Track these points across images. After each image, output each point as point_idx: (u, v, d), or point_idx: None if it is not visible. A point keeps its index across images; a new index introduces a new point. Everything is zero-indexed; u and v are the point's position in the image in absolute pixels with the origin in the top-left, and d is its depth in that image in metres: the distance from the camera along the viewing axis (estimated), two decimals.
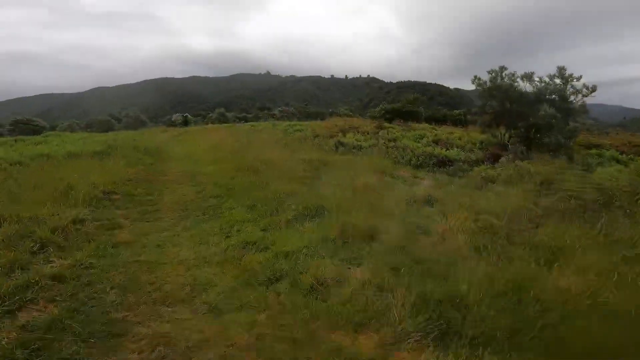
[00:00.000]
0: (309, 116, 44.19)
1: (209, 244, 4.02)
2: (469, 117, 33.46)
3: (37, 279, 3.00)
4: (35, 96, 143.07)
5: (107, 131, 25.46)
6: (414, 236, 4.44)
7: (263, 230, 4.39)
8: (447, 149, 11.30)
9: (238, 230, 4.37)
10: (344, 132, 15.09)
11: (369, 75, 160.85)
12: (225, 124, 26.49)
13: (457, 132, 16.76)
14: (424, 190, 6.65)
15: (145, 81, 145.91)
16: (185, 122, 25.88)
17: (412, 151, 10.34)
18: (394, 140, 13.43)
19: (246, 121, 33.81)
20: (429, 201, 6.05)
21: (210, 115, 37.95)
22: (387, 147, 11.18)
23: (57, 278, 3.07)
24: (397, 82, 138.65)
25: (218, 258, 3.63)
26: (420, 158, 9.77)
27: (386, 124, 17.27)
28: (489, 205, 5.90)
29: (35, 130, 26.06)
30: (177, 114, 30.94)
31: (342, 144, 11.97)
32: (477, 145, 12.26)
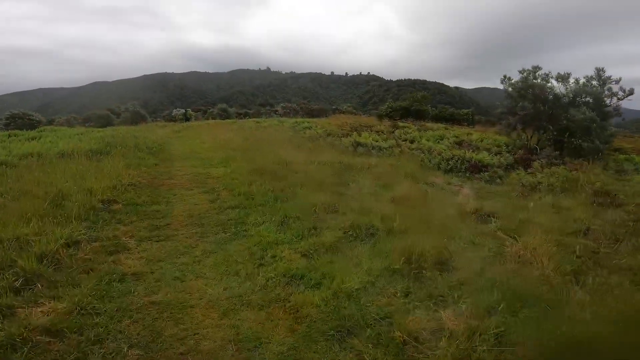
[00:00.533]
0: (312, 113, 43.32)
1: (239, 275, 3.19)
2: (476, 117, 32.70)
3: (25, 333, 2.17)
4: (34, 90, 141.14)
5: (105, 126, 24.42)
6: (490, 262, 3.66)
7: (304, 256, 3.56)
8: (475, 152, 10.52)
9: (273, 257, 3.53)
10: (357, 131, 14.27)
11: (369, 73, 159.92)
12: (228, 120, 25.55)
13: (475, 133, 16.01)
14: (472, 202, 5.85)
15: (145, 76, 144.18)
16: (186, 118, 24.85)
17: (439, 154, 9.54)
18: (412, 140, 12.66)
19: (248, 117, 32.85)
20: (483, 215, 5.27)
21: (211, 110, 36.91)
22: (410, 149, 10.37)
23: (53, 332, 2.24)
24: (397, 80, 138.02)
25: (258, 297, 2.81)
26: (450, 162, 8.97)
27: (400, 123, 16.46)
28: (553, 220, 5.13)
29: (32, 124, 25.08)
30: (177, 109, 29.89)
31: (360, 144, 11.15)
32: (504, 148, 11.49)
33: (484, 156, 9.43)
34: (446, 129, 17.41)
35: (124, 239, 3.88)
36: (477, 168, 8.67)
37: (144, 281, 3.00)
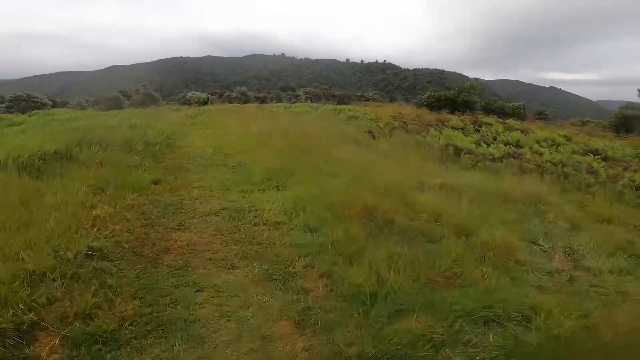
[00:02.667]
0: (334, 98, 39.90)
1: None
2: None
3: None
4: (53, 74, 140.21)
5: (113, 109, 21.33)
6: None
7: None
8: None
9: None
10: (432, 126, 10.64)
11: (385, 61, 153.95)
12: (250, 104, 22.14)
13: (576, 134, 12.14)
14: None
15: (160, 60, 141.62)
16: (204, 102, 21.50)
17: (612, 178, 5.89)
18: (518, 145, 8.99)
19: (273, 101, 29.53)
20: None
21: (228, 94, 33.56)
22: (552, 163, 6.72)
23: None
24: (413, 69, 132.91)
25: None
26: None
27: (483, 119, 12.73)
28: None
29: (36, 107, 22.51)
30: (193, 92, 26.56)
31: (459, 148, 7.54)
32: None
33: None
34: (523, 130, 13.56)
35: None
36: None
37: None
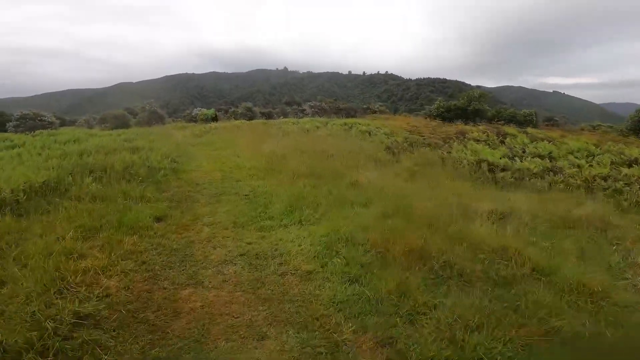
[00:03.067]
0: (341, 112, 39.66)
1: None
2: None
3: None
4: (64, 91, 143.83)
5: (120, 127, 21.11)
6: None
7: None
8: None
9: None
10: (452, 139, 10.03)
11: (387, 72, 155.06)
12: (256, 120, 21.80)
13: (601, 141, 11.42)
14: None
15: (166, 77, 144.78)
16: (213, 118, 21.16)
17: None
18: (551, 157, 8.31)
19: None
20: None
21: (233, 110, 33.35)
22: (605, 179, 6.04)
23: None
24: (415, 79, 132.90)
25: None
26: None
27: (507, 129, 12.10)
28: None
29: (43, 126, 22.36)
30: (199, 108, 26.32)
31: (493, 165, 6.88)
32: None
33: None
34: (550, 139, 12.86)
35: None
36: None
37: None
